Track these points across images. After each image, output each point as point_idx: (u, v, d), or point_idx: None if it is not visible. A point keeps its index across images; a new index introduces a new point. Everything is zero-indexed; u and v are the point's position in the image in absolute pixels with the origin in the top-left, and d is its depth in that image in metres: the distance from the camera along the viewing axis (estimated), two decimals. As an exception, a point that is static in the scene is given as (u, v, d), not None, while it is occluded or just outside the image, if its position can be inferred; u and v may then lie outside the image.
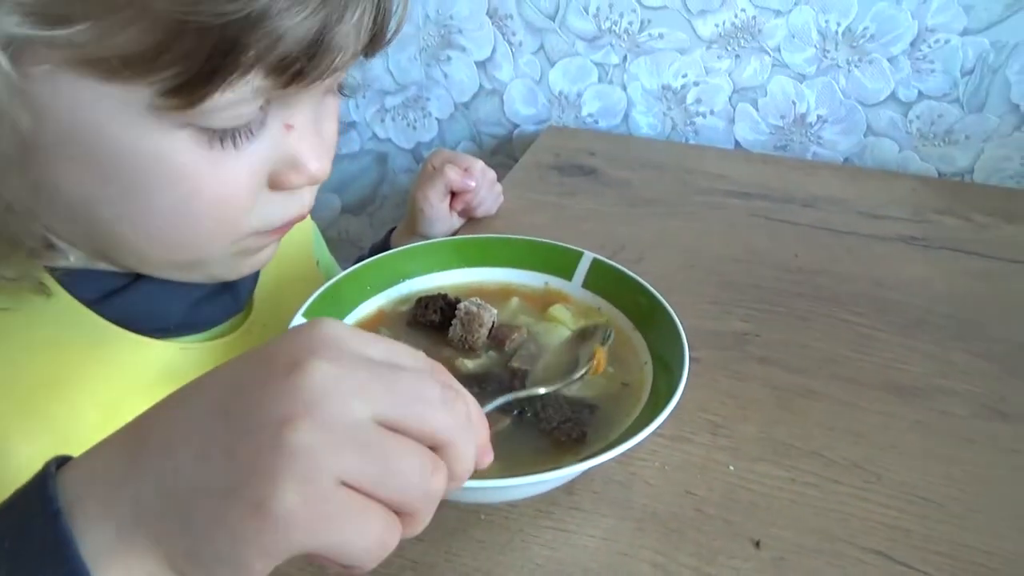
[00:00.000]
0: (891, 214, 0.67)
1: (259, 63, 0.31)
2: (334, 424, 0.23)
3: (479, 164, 0.60)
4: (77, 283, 0.38)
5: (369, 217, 0.99)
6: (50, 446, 0.26)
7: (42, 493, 0.23)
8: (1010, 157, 0.72)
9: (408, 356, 0.26)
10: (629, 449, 0.35)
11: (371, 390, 0.24)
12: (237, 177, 0.35)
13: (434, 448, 0.24)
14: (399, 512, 0.24)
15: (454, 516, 0.38)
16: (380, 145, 0.94)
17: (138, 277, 0.40)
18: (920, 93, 0.72)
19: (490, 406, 0.35)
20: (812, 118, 0.77)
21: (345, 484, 0.22)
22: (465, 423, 0.25)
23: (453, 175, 0.59)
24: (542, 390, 0.38)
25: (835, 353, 0.50)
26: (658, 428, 0.36)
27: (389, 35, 0.36)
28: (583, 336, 0.43)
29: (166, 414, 0.25)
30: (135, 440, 0.24)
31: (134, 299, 0.39)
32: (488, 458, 0.27)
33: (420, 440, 0.24)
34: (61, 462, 0.24)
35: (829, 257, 0.61)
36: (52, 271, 0.37)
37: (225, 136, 0.34)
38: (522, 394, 0.38)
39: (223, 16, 0.29)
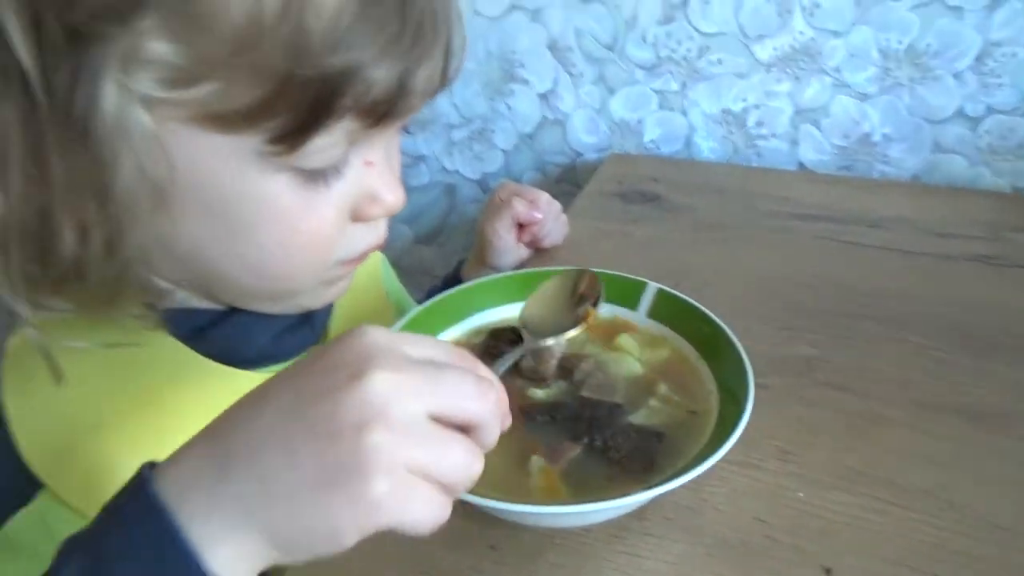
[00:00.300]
0: (963, 232, 0.66)
1: (352, 109, 0.35)
2: (399, 424, 0.28)
3: (545, 196, 0.63)
4: (172, 320, 0.42)
5: (440, 247, 1.02)
6: None
7: (146, 495, 0.27)
8: (1088, 169, 0.71)
9: (445, 353, 0.31)
10: (697, 476, 0.36)
11: (422, 391, 0.29)
12: (327, 212, 0.39)
13: (469, 428, 0.30)
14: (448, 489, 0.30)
15: (530, 541, 0.40)
16: (448, 177, 0.97)
17: (227, 313, 0.44)
18: (989, 107, 0.71)
19: (502, 368, 0.40)
20: (877, 137, 0.76)
21: (413, 473, 0.28)
22: (494, 408, 0.31)
23: (520, 207, 0.61)
24: (550, 341, 0.43)
25: (905, 378, 0.50)
26: (725, 455, 0.37)
27: (454, 75, 0.39)
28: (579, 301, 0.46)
29: (243, 424, 0.29)
30: (219, 448, 0.29)
31: (224, 333, 0.43)
32: (508, 421, 0.33)
33: (460, 425, 0.30)
34: (151, 467, 0.29)
35: (899, 279, 0.61)
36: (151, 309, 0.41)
37: (318, 176, 0.38)
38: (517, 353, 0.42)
39: (325, 70, 0.33)
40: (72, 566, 0.27)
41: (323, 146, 0.36)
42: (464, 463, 0.29)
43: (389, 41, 0.34)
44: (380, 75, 0.34)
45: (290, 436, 0.28)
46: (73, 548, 0.28)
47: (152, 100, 0.32)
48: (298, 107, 0.34)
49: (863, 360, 0.52)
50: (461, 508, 0.40)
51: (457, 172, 0.96)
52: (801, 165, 0.81)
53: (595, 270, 0.51)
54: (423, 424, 0.29)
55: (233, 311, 0.44)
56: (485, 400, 0.30)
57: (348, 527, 0.27)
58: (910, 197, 0.73)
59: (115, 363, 0.41)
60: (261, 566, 0.28)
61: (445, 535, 0.40)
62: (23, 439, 0.39)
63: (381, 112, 0.36)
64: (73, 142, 0.32)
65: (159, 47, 0.31)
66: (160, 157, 0.33)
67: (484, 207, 0.64)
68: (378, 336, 0.30)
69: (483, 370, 0.32)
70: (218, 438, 0.29)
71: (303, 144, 0.35)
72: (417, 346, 0.31)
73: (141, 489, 0.28)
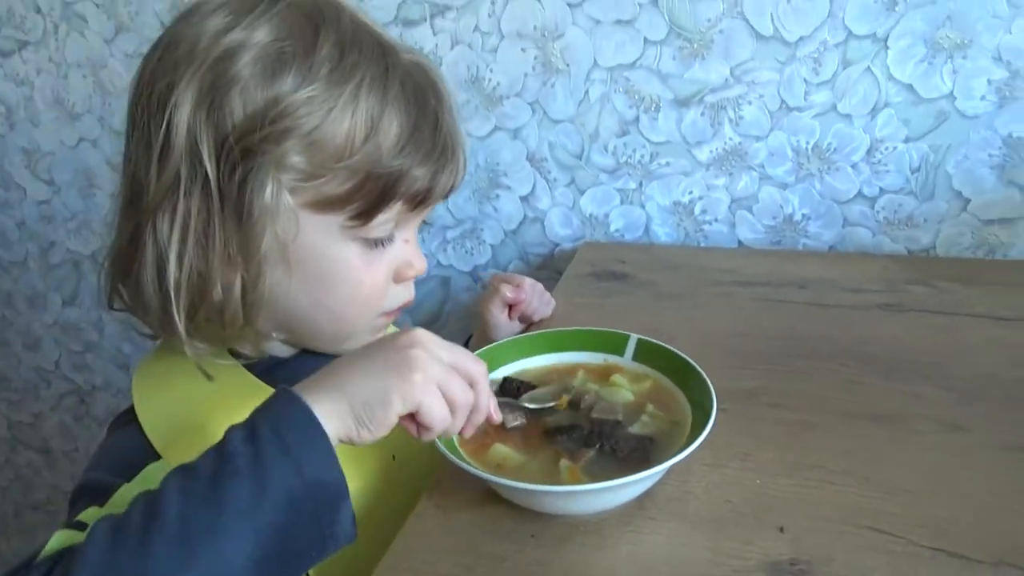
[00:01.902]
0: (869, 287, 0.83)
1: (402, 197, 0.54)
2: (431, 355, 0.47)
3: (528, 281, 0.78)
4: (253, 364, 0.59)
5: (437, 332, 1.16)
6: None
7: (289, 395, 0.45)
8: (963, 233, 0.89)
9: (460, 347, 0.50)
10: (680, 474, 0.50)
11: (445, 347, 0.49)
12: (380, 271, 0.57)
13: (471, 383, 0.49)
14: (452, 409, 0.48)
15: (561, 528, 0.53)
16: (443, 270, 1.13)
17: (291, 357, 0.61)
18: (881, 189, 0.90)
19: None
20: (798, 216, 0.94)
21: (435, 383, 0.47)
22: (485, 375, 0.51)
23: (507, 292, 0.76)
24: (531, 405, 0.59)
25: (828, 396, 0.65)
26: (701, 458, 0.52)
27: (459, 185, 0.59)
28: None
29: (339, 362, 0.48)
30: (325, 373, 0.48)
31: (289, 371, 0.57)
32: (498, 416, 0.53)
33: (465, 377, 0.49)
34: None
35: (820, 326, 0.77)
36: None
37: (376, 244, 0.56)
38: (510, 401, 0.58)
39: (389, 172, 0.53)
40: (235, 432, 0.43)
41: (382, 222, 0.55)
42: (464, 393, 0.48)
43: (426, 154, 0.55)
44: (420, 175, 0.54)
45: (368, 353, 0.48)
46: (234, 426, 0.44)
47: (291, 189, 0.51)
48: (371, 194, 0.53)
49: (794, 385, 0.67)
50: (500, 505, 0.54)
51: (451, 266, 1.12)
52: (740, 243, 0.98)
53: (591, 328, 0.66)
54: (444, 364, 0.48)
55: (289, 360, 0.61)
56: (479, 367, 0.50)
57: (395, 396, 0.45)
58: (828, 263, 0.90)
59: (208, 387, 0.56)
60: (343, 430, 0.45)
61: (494, 527, 0.54)
62: (148, 429, 0.55)
63: (419, 200, 0.56)
64: (235, 222, 0.51)
65: (296, 158, 0.51)
66: (291, 226, 0.52)
67: (480, 295, 0.80)
68: (417, 328, 0.50)
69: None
70: (326, 374, 0.48)
71: (370, 220, 0.54)
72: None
73: (279, 390, 0.45)
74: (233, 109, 0.50)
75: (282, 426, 0.43)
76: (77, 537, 0.42)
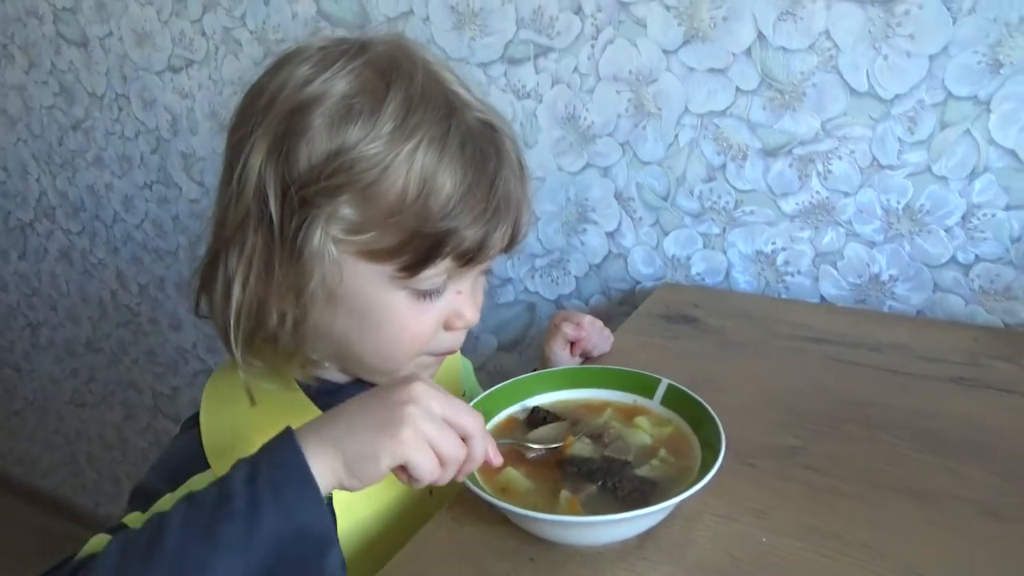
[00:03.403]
0: (948, 358, 0.79)
1: (451, 253, 0.57)
2: (425, 410, 0.49)
3: (588, 318, 0.80)
4: (308, 387, 0.64)
5: (519, 355, 1.21)
6: None
7: (290, 441, 0.48)
8: (1066, 311, 0.83)
9: (458, 400, 0.52)
10: (691, 512, 0.53)
11: (441, 401, 0.50)
12: (428, 320, 0.60)
13: (464, 438, 0.51)
14: (441, 463, 0.50)
15: (559, 555, 0.56)
16: (530, 296, 1.17)
17: (346, 383, 0.65)
18: (977, 256, 0.85)
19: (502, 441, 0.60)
20: (885, 277, 0.91)
21: (426, 439, 0.49)
22: (481, 429, 0.52)
23: (568, 330, 0.79)
24: (534, 446, 0.61)
25: (868, 465, 0.64)
26: (713, 510, 0.54)
27: (519, 241, 0.61)
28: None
29: (340, 411, 0.51)
30: (327, 421, 0.51)
31: (342, 397, 0.60)
32: (498, 461, 0.55)
33: (459, 431, 0.51)
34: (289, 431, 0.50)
35: (884, 392, 0.74)
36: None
37: (425, 295, 0.59)
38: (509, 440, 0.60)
39: (438, 229, 0.55)
40: (240, 470, 0.48)
41: (430, 275, 0.57)
42: (455, 448, 0.50)
43: (478, 215, 0.57)
44: (470, 235, 0.57)
45: (365, 406, 0.51)
46: (240, 462, 0.49)
47: (339, 240, 0.55)
48: (418, 250, 0.56)
49: (837, 451, 0.66)
50: (508, 525, 0.57)
51: (537, 293, 1.16)
52: (822, 298, 0.96)
53: (625, 369, 0.68)
54: (438, 418, 0.50)
55: (345, 385, 0.65)
56: (474, 421, 0.52)
57: (384, 454, 0.48)
58: (912, 328, 0.87)
59: (267, 404, 0.62)
60: (334, 481, 0.48)
61: (499, 545, 0.57)
62: (205, 436, 0.61)
63: (468, 258, 0.58)
64: (290, 261, 0.55)
65: (348, 211, 0.55)
66: (337, 273, 0.56)
67: (545, 333, 0.83)
68: (420, 375, 0.53)
69: (478, 413, 0.53)
70: (326, 419, 0.51)
71: (418, 273, 0.57)
72: (440, 388, 0.52)
73: (284, 433, 0.49)
74: (299, 159, 0.53)
75: (279, 474, 0.47)
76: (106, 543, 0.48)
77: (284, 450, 0.48)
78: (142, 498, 0.58)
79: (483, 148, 0.57)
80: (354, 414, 0.50)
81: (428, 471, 0.49)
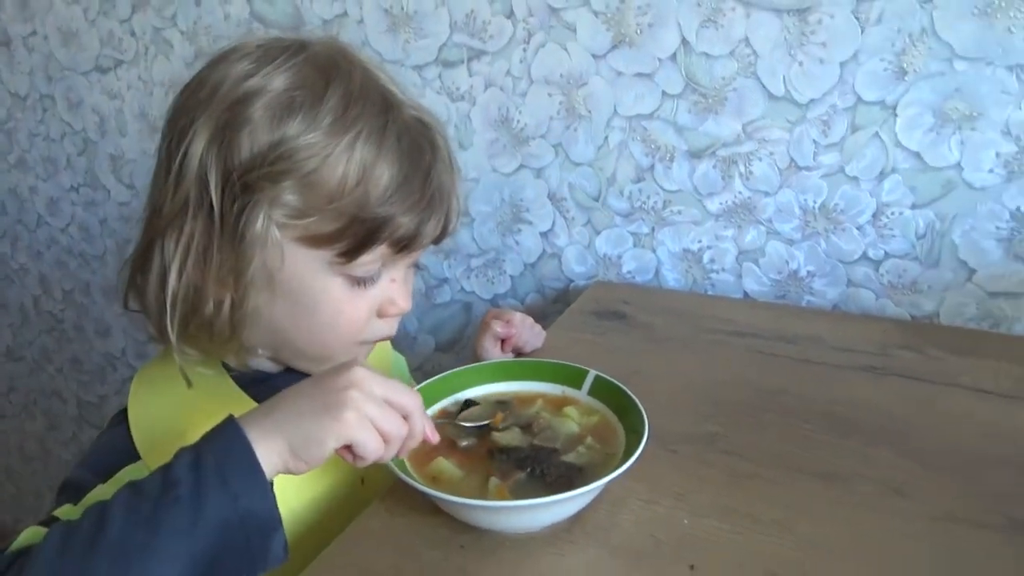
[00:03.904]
0: (859, 348, 0.84)
1: (387, 240, 0.59)
2: (366, 393, 0.51)
3: (518, 315, 0.82)
4: (239, 376, 0.64)
5: (456, 354, 1.22)
6: None
7: (234, 428, 0.49)
8: (967, 303, 0.88)
9: (396, 381, 0.54)
10: (616, 496, 0.56)
11: (380, 382, 0.52)
12: (362, 306, 0.62)
13: (405, 416, 0.53)
14: (384, 441, 0.52)
15: (489, 541, 0.57)
16: (466, 296, 1.18)
17: (277, 373, 0.66)
18: (886, 253, 0.90)
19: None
20: (803, 273, 0.96)
21: (369, 419, 0.51)
22: (420, 407, 0.54)
23: (497, 327, 0.81)
24: (466, 424, 0.63)
25: (782, 450, 0.67)
26: (636, 494, 0.57)
27: (449, 234, 0.64)
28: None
29: (280, 399, 0.52)
30: (268, 409, 0.52)
31: (272, 387, 0.60)
32: (436, 438, 0.57)
33: (399, 410, 0.53)
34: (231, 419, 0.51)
35: (799, 382, 0.78)
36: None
37: (360, 282, 0.61)
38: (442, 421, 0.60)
39: (375, 216, 0.57)
40: (183, 457, 0.48)
41: (366, 261, 0.59)
42: (397, 426, 0.53)
43: (413, 204, 0.59)
44: (405, 222, 0.59)
45: (306, 392, 0.52)
46: (183, 450, 0.49)
47: (281, 224, 0.56)
48: (356, 235, 0.58)
49: (754, 437, 0.69)
50: (441, 515, 0.58)
51: (473, 293, 1.18)
52: (746, 294, 1.00)
53: (554, 361, 0.70)
54: (379, 399, 0.52)
55: (275, 375, 0.66)
56: (413, 400, 0.54)
57: (329, 435, 0.50)
58: (827, 321, 0.91)
59: (202, 388, 0.62)
60: (280, 465, 0.50)
61: (431, 534, 0.58)
62: (134, 430, 0.61)
63: (403, 245, 0.60)
64: (229, 245, 0.56)
65: (290, 197, 0.56)
66: (278, 257, 0.57)
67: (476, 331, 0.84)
68: (356, 360, 0.54)
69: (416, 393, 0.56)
70: (267, 406, 0.52)
71: (355, 259, 0.59)
72: (379, 372, 0.54)
73: (227, 421, 0.50)
74: (241, 147, 0.55)
75: (224, 459, 0.48)
76: (43, 534, 0.48)
77: (228, 436, 0.49)
78: (72, 491, 0.58)
79: (418, 142, 0.60)
80: (295, 400, 0.52)
81: (373, 449, 0.51)
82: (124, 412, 0.63)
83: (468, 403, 0.66)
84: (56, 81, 1.43)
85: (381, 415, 0.51)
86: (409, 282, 0.66)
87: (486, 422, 0.63)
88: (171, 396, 0.62)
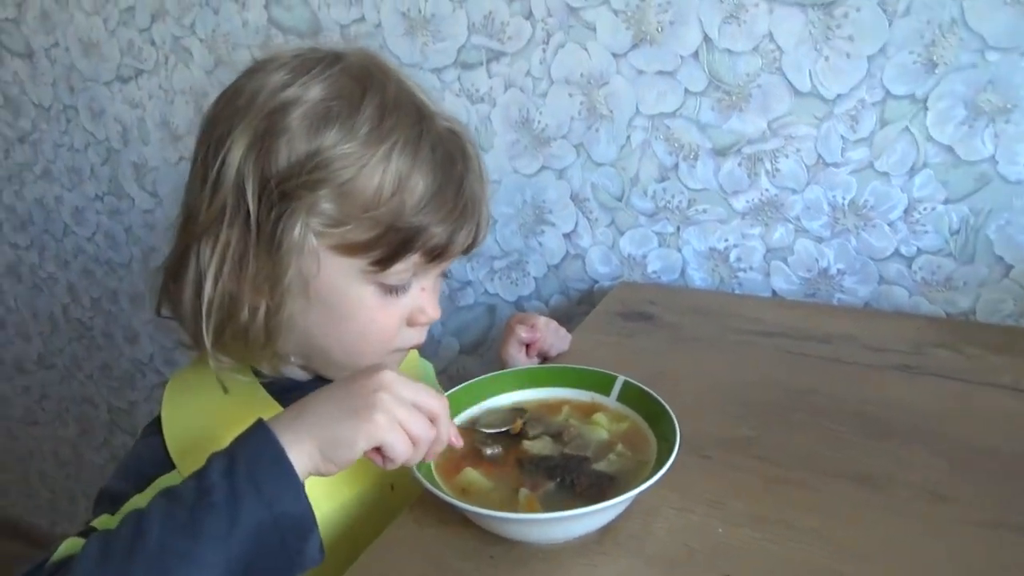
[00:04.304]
0: (893, 348, 0.82)
1: (420, 249, 0.59)
2: (395, 396, 0.52)
3: (542, 319, 0.82)
4: (271, 384, 0.65)
5: (480, 357, 1.22)
6: None
7: (265, 432, 0.50)
8: (1004, 300, 0.86)
9: (423, 385, 0.54)
10: (649, 505, 0.56)
11: (409, 386, 0.53)
12: (394, 314, 0.62)
13: (432, 420, 0.53)
14: (413, 443, 0.52)
15: (519, 553, 0.56)
16: (490, 299, 1.18)
17: (307, 381, 0.66)
18: (919, 249, 0.88)
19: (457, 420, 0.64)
20: (833, 271, 0.94)
21: (398, 421, 0.51)
22: (446, 410, 0.55)
23: (522, 333, 0.80)
24: (486, 430, 0.64)
25: (816, 452, 0.65)
26: (670, 503, 0.57)
27: (478, 244, 0.63)
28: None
29: (309, 401, 0.53)
30: (297, 412, 0.52)
31: (303, 394, 0.60)
32: (460, 443, 0.58)
33: (427, 413, 0.53)
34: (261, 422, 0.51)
35: (832, 382, 0.77)
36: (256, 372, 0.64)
37: (392, 291, 0.61)
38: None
39: (410, 226, 0.58)
40: (216, 463, 0.49)
41: (399, 270, 0.60)
42: (425, 429, 0.53)
43: (446, 214, 0.60)
44: (439, 232, 0.59)
45: (335, 396, 0.52)
46: (216, 454, 0.50)
47: (318, 232, 0.57)
48: (391, 244, 0.58)
49: (786, 440, 0.68)
50: (470, 526, 0.58)
51: (497, 295, 1.17)
52: (774, 292, 0.98)
53: (581, 367, 0.69)
54: (407, 403, 0.52)
55: (304, 383, 0.66)
56: (440, 403, 0.54)
57: (360, 437, 0.50)
58: (859, 319, 0.89)
59: (236, 394, 0.63)
60: (311, 467, 0.50)
61: (460, 545, 0.58)
62: (168, 438, 0.61)
63: (436, 254, 0.60)
64: (266, 253, 0.57)
65: (327, 205, 0.57)
66: (314, 265, 0.57)
67: (500, 337, 0.84)
68: (386, 365, 0.55)
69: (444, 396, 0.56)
70: (296, 409, 0.53)
71: (389, 267, 0.59)
72: (409, 376, 0.54)
73: (257, 425, 0.50)
74: (279, 156, 0.56)
75: (256, 463, 0.48)
76: (81, 545, 0.49)
77: (259, 440, 0.50)
78: (108, 502, 0.58)
79: (451, 152, 0.61)
80: (324, 403, 0.52)
81: (402, 451, 0.52)
82: (157, 421, 0.63)
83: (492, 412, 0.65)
84: (79, 92, 1.44)
85: (410, 418, 0.52)
86: (437, 290, 0.66)
87: (506, 428, 0.63)
88: (204, 403, 0.63)
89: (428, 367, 0.87)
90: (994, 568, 0.53)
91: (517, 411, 0.65)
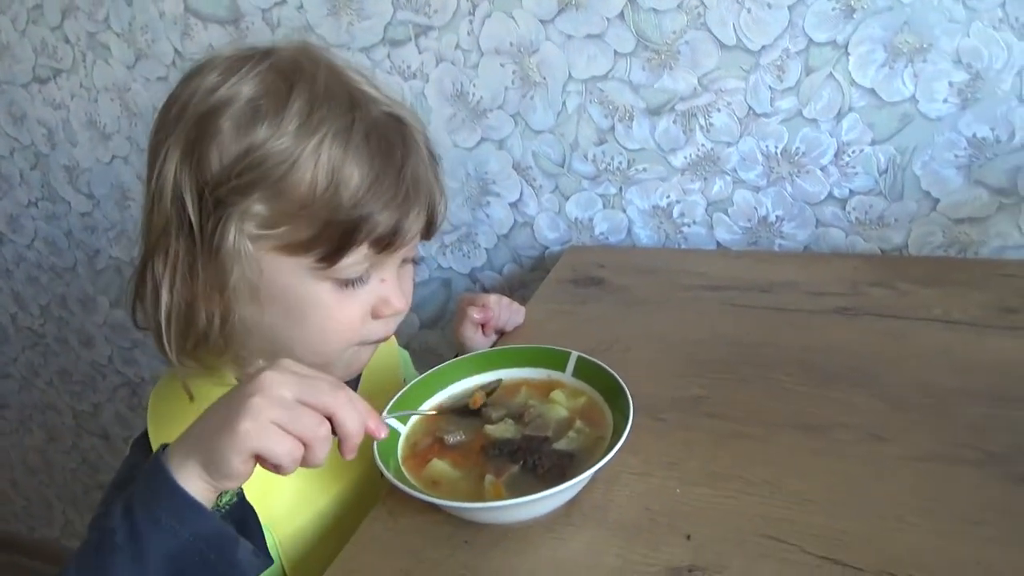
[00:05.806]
0: (831, 290, 0.85)
1: (366, 240, 0.58)
2: (272, 398, 0.48)
3: (493, 297, 0.83)
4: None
5: (441, 330, 1.23)
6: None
7: (157, 463, 0.50)
8: (933, 232, 0.90)
9: (319, 375, 0.51)
10: (609, 473, 0.58)
11: (292, 385, 0.49)
12: (353, 309, 0.62)
13: (329, 418, 0.50)
14: (305, 444, 0.49)
15: (491, 535, 0.59)
16: (444, 273, 1.19)
17: None
18: (851, 191, 0.91)
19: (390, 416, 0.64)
20: (772, 218, 0.97)
21: (276, 424, 0.48)
22: (346, 403, 0.50)
23: (473, 313, 0.81)
24: (429, 411, 0.65)
25: (764, 405, 0.69)
26: (630, 467, 0.59)
27: (437, 226, 0.63)
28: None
29: (202, 415, 0.51)
30: (189, 429, 0.51)
31: None
32: (382, 433, 0.54)
33: (319, 411, 0.49)
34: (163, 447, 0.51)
35: (775, 331, 0.80)
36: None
37: (348, 284, 0.61)
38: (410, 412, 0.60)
39: (349, 218, 0.57)
40: (117, 504, 0.50)
41: (350, 264, 0.59)
42: (311, 426, 0.49)
43: (388, 201, 0.58)
44: (383, 220, 0.58)
45: (216, 407, 0.51)
46: (118, 496, 0.51)
47: (253, 236, 0.57)
48: (332, 239, 0.57)
49: (734, 394, 0.71)
50: (442, 513, 0.60)
51: (451, 268, 1.18)
52: (719, 244, 1.01)
53: (535, 346, 0.71)
54: (290, 402, 0.49)
55: None
56: (335, 396, 0.50)
57: (229, 451, 0.48)
58: (800, 264, 0.92)
59: (205, 400, 0.62)
60: (204, 487, 0.49)
61: (435, 532, 0.60)
62: (154, 443, 0.62)
63: (385, 244, 0.60)
64: (210, 261, 0.57)
65: (260, 207, 0.56)
66: (256, 268, 0.57)
67: (455, 320, 0.85)
68: (281, 361, 0.51)
69: (348, 389, 0.52)
70: (196, 420, 0.52)
71: (337, 263, 0.58)
72: (303, 369, 0.51)
73: (157, 454, 0.51)
74: (211, 162, 0.56)
75: (152, 498, 0.49)
76: None
77: (151, 472, 0.50)
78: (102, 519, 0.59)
79: (389, 138, 0.59)
80: (206, 417, 0.51)
81: (284, 455, 0.48)
82: (146, 435, 0.65)
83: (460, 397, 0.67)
84: (-4, 96, 1.39)
85: (290, 418, 0.48)
86: (406, 282, 0.65)
87: (464, 403, 0.65)
88: (181, 411, 0.63)
89: (404, 355, 0.87)
90: (929, 500, 0.57)
91: (475, 389, 0.67)
